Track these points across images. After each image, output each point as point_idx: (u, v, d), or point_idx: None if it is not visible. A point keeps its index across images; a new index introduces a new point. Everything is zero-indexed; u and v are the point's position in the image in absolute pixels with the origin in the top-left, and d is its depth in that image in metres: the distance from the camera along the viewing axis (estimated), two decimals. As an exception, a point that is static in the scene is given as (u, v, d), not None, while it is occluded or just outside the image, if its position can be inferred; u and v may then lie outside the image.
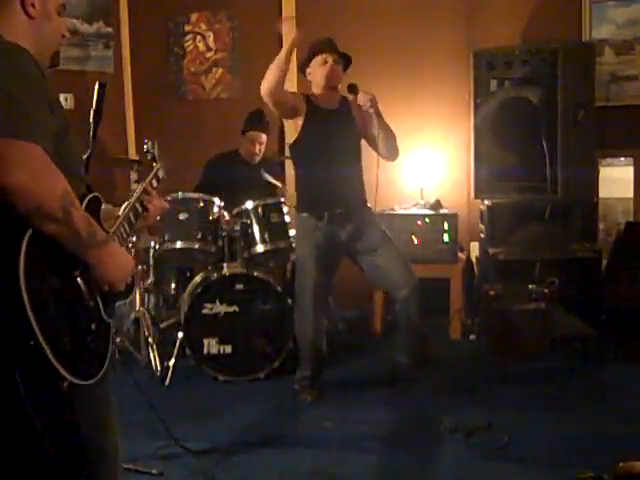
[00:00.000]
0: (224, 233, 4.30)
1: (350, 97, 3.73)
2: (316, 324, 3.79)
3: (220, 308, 4.12)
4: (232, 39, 5.80)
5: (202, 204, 4.27)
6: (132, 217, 1.95)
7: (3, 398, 1.55)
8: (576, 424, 3.39)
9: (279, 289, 4.18)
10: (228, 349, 4.13)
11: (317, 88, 3.77)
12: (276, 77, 3.51)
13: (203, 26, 5.85)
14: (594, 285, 4.75)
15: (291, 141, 3.83)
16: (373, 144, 3.81)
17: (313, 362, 3.87)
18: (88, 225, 1.60)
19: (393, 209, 5.02)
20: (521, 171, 4.66)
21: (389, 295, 3.86)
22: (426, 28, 5.35)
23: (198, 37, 5.86)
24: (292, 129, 3.85)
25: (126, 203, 1.96)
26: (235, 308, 4.14)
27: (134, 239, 4.07)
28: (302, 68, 3.81)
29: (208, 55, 5.87)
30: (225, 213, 4.33)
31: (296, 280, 3.86)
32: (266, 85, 3.54)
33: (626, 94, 4.97)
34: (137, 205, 1.99)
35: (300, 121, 3.72)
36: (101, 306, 1.71)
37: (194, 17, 5.86)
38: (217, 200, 4.31)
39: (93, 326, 1.67)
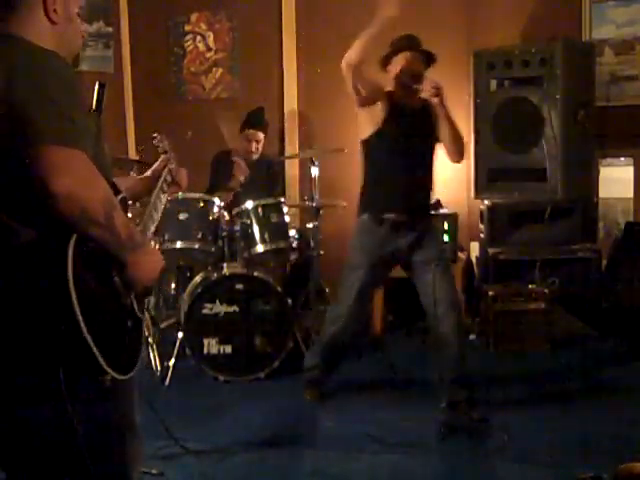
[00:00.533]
0: (224, 233, 4.30)
1: (417, 87, 3.42)
2: (345, 325, 3.63)
3: (220, 308, 4.12)
4: (232, 39, 5.80)
5: (202, 204, 4.27)
6: (158, 202, 2.07)
7: (43, 394, 1.60)
8: (576, 424, 3.39)
9: (279, 289, 4.18)
10: (228, 349, 4.13)
11: (398, 88, 3.49)
12: (364, 47, 3.37)
13: (203, 26, 5.85)
14: (594, 285, 4.75)
15: (364, 137, 3.54)
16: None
17: (324, 356, 3.77)
18: (127, 228, 1.66)
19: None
20: (521, 171, 4.66)
21: (427, 317, 3.54)
22: (426, 28, 5.30)
23: (198, 37, 5.87)
24: (363, 123, 3.58)
25: (154, 195, 2.07)
26: (235, 308, 4.14)
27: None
28: (383, 65, 3.57)
29: (208, 55, 5.87)
30: (225, 213, 4.34)
31: (343, 278, 3.69)
32: (352, 54, 3.40)
33: (626, 94, 4.97)
34: (163, 186, 2.13)
35: (372, 113, 3.47)
36: (135, 303, 1.78)
37: (194, 17, 5.86)
38: (217, 200, 4.32)
39: (129, 323, 1.74)
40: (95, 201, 1.56)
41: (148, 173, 2.25)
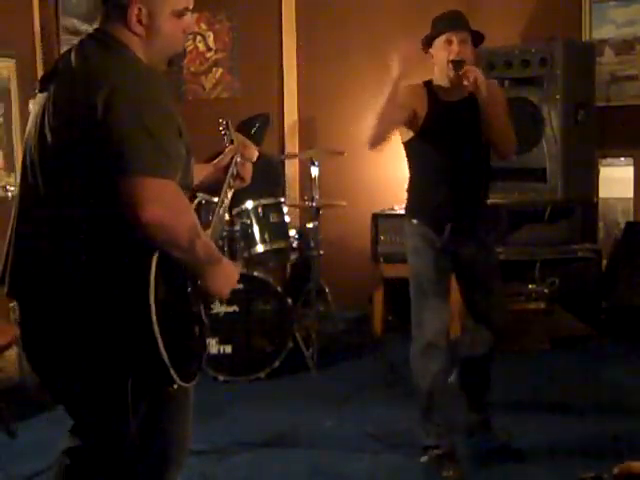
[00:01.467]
0: (224, 233, 4.30)
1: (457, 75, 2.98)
2: (440, 348, 3.04)
3: (220, 308, 4.12)
4: (232, 39, 5.80)
5: (202, 204, 4.26)
6: (225, 199, 2.09)
7: (109, 403, 1.71)
8: (576, 424, 3.39)
9: (279, 289, 4.18)
10: (228, 349, 4.13)
11: (441, 74, 3.04)
12: (388, 133, 3.00)
13: (203, 26, 5.86)
14: (594, 285, 4.75)
15: (406, 138, 3.12)
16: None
17: (439, 403, 3.07)
18: (207, 248, 1.73)
19: (393, 209, 5.01)
20: (521, 171, 4.66)
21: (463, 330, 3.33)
22: (426, 28, 5.32)
23: (198, 37, 5.87)
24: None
25: (222, 194, 2.06)
26: (235, 308, 4.14)
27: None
28: (424, 46, 3.09)
29: (208, 55, 5.87)
30: (225, 214, 4.33)
31: (415, 301, 3.15)
32: (375, 144, 3.02)
33: (626, 94, 4.97)
34: (229, 181, 2.10)
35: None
36: (203, 310, 1.84)
37: (194, 17, 5.86)
38: (217, 200, 4.31)
39: (197, 329, 1.81)
40: (182, 229, 1.65)
41: (214, 163, 2.15)
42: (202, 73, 5.89)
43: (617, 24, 4.98)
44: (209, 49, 5.86)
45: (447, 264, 3.09)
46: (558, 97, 4.50)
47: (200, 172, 2.08)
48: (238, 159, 2.12)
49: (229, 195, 2.13)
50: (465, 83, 2.92)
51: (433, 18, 3.10)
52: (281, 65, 5.66)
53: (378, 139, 3.01)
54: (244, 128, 4.89)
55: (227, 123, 2.14)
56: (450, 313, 3.18)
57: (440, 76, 3.04)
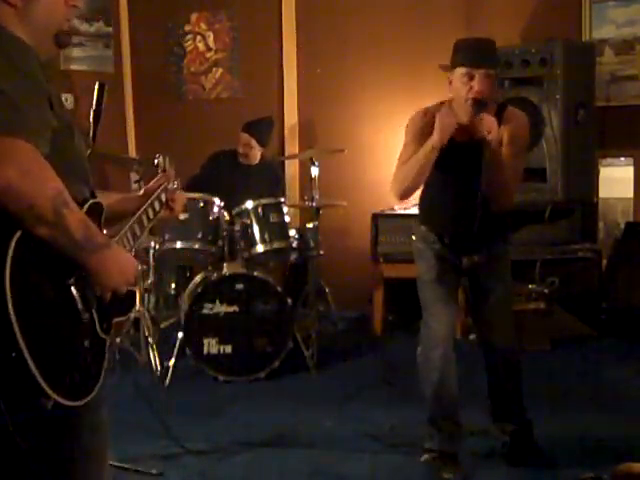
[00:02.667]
0: (224, 233, 4.30)
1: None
2: (447, 358, 2.96)
3: (220, 308, 4.12)
4: (232, 39, 5.80)
5: (202, 204, 4.27)
6: (145, 219, 1.88)
7: None
8: (576, 424, 3.39)
9: (279, 289, 4.18)
10: (228, 349, 4.12)
11: (458, 106, 2.82)
12: (416, 184, 2.90)
13: (203, 26, 5.85)
14: (594, 285, 4.75)
15: None
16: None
17: (441, 407, 3.00)
18: (85, 228, 1.48)
19: (393, 209, 5.01)
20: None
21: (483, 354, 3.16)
22: (426, 28, 5.35)
23: (198, 37, 5.87)
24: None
25: (140, 211, 1.86)
26: (235, 308, 4.13)
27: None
28: (445, 69, 2.99)
29: (208, 55, 5.87)
30: (225, 213, 4.34)
31: (422, 306, 3.08)
32: (401, 192, 2.90)
33: (626, 94, 4.97)
34: (154, 204, 1.94)
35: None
36: (97, 320, 1.57)
37: (194, 17, 5.86)
38: (217, 200, 4.32)
39: (86, 342, 1.52)
40: (43, 197, 1.39)
41: (141, 192, 2.02)
42: (202, 73, 5.89)
43: (617, 24, 4.98)
44: (209, 49, 5.86)
45: (451, 270, 3.03)
46: (558, 97, 4.50)
47: (111, 197, 1.88)
48: (170, 186, 2.02)
49: (150, 217, 1.92)
50: (479, 129, 2.70)
51: (456, 41, 2.88)
52: (281, 65, 5.67)
53: (407, 191, 2.91)
54: (249, 129, 4.90)
55: (163, 155, 2.13)
56: (453, 316, 3.10)
57: (457, 107, 2.82)
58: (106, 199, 1.74)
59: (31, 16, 1.55)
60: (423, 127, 2.86)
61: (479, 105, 2.71)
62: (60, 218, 1.41)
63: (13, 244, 1.36)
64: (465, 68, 2.75)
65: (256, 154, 4.94)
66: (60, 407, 1.41)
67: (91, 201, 1.61)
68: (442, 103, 2.92)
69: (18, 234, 1.38)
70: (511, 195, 2.92)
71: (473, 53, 2.78)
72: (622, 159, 5.10)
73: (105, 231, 1.65)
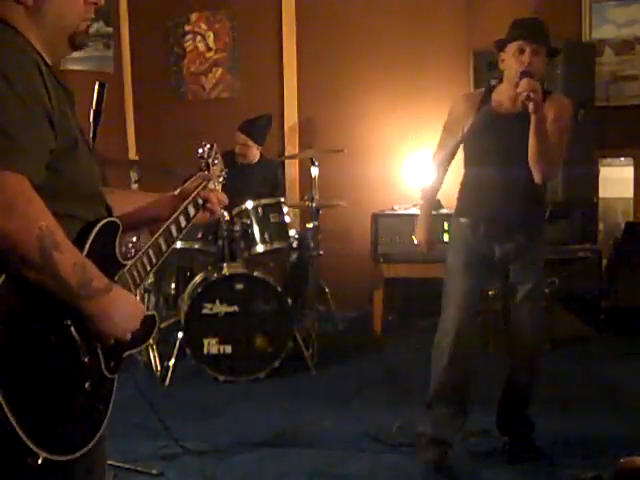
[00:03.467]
0: (224, 233, 4.30)
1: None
2: (457, 346, 2.99)
3: (220, 308, 4.12)
4: (232, 39, 5.80)
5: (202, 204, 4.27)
6: (174, 230, 1.69)
7: None
8: (576, 424, 3.39)
9: (279, 289, 4.18)
10: (228, 349, 4.13)
11: (508, 82, 2.93)
12: (448, 156, 3.12)
13: (203, 26, 5.85)
14: (594, 285, 4.75)
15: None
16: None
17: (441, 393, 3.05)
18: (81, 272, 1.32)
19: (393, 209, 5.02)
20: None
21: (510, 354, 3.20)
22: (426, 28, 5.35)
23: (198, 37, 5.87)
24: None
25: (168, 222, 1.69)
26: (235, 308, 4.14)
27: (134, 239, 4.06)
28: (498, 48, 3.02)
29: (208, 55, 5.87)
30: (225, 213, 4.34)
31: (443, 293, 3.12)
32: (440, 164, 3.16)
33: (626, 94, 4.97)
34: (188, 210, 1.74)
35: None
36: (102, 360, 1.43)
37: (194, 17, 5.86)
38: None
39: (87, 385, 1.38)
40: (26, 236, 1.24)
41: (177, 191, 1.80)
42: (202, 73, 5.89)
43: (617, 24, 4.98)
44: (209, 49, 5.86)
45: (481, 263, 3.03)
46: (558, 97, 4.50)
47: (142, 197, 1.74)
48: (210, 185, 1.82)
49: (182, 225, 1.71)
50: (519, 92, 2.74)
51: (513, 20, 3.03)
52: (281, 65, 5.67)
53: (442, 161, 3.11)
54: (245, 128, 4.90)
55: (212, 146, 1.88)
56: (474, 308, 3.11)
57: (506, 83, 2.94)
58: (137, 200, 1.62)
59: (44, 15, 1.42)
60: (464, 111, 3.02)
61: (527, 76, 2.76)
62: (48, 261, 1.27)
63: None
64: (517, 42, 2.89)
65: (254, 153, 4.94)
66: (51, 462, 1.28)
67: (103, 222, 1.46)
68: (489, 89, 3.03)
69: (2, 278, 1.25)
70: (555, 166, 2.95)
71: (526, 28, 2.95)
72: (622, 159, 5.10)
73: (124, 248, 1.52)
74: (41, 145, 1.32)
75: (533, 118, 2.76)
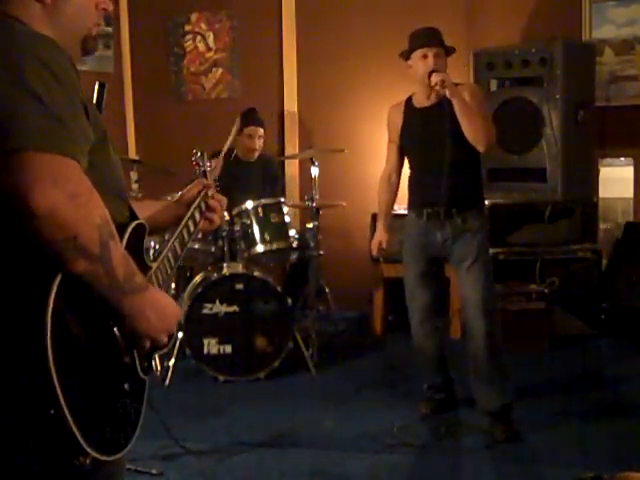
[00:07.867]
0: (224, 233, 4.30)
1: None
2: (422, 327, 3.57)
3: (220, 308, 4.12)
4: (232, 39, 5.80)
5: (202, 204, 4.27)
6: (185, 234, 1.71)
7: (14, 473, 1.25)
8: (576, 424, 3.39)
9: (279, 289, 4.18)
10: (228, 349, 4.13)
11: (418, 84, 3.44)
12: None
13: (203, 26, 5.85)
14: (594, 285, 4.75)
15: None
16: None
17: (427, 369, 3.67)
18: (127, 265, 1.29)
19: (393, 209, 5.00)
20: (521, 171, 4.66)
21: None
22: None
23: (198, 37, 5.87)
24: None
25: (181, 226, 1.70)
26: (235, 308, 4.14)
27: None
28: (404, 58, 3.47)
29: (208, 55, 5.87)
30: (225, 213, 4.33)
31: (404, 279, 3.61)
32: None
33: (626, 94, 4.97)
34: (195, 215, 1.76)
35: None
36: (138, 361, 1.42)
37: (194, 17, 5.86)
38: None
39: (126, 386, 1.38)
40: (87, 225, 1.21)
41: (176, 197, 1.81)
42: (202, 73, 5.89)
43: (617, 24, 4.98)
44: (209, 49, 5.86)
45: (427, 250, 3.45)
46: (558, 97, 4.50)
47: (148, 207, 1.70)
48: (210, 193, 1.80)
49: (191, 231, 1.73)
50: (433, 86, 3.25)
51: (411, 32, 3.44)
52: (281, 65, 5.67)
53: (385, 176, 3.78)
54: (254, 120, 4.87)
55: (202, 154, 1.91)
56: (431, 292, 3.53)
57: (419, 85, 3.44)
58: (144, 210, 1.61)
59: (61, 15, 1.40)
60: (396, 117, 3.58)
61: (435, 72, 3.26)
62: (106, 251, 1.24)
63: (53, 293, 1.20)
64: (421, 49, 3.35)
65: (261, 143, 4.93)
66: (96, 463, 1.26)
67: (134, 223, 1.44)
68: (410, 96, 3.55)
69: (59, 278, 1.21)
70: (488, 131, 3.30)
71: (425, 37, 3.39)
72: (622, 159, 5.10)
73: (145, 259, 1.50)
74: (85, 136, 1.31)
75: (454, 101, 3.21)
